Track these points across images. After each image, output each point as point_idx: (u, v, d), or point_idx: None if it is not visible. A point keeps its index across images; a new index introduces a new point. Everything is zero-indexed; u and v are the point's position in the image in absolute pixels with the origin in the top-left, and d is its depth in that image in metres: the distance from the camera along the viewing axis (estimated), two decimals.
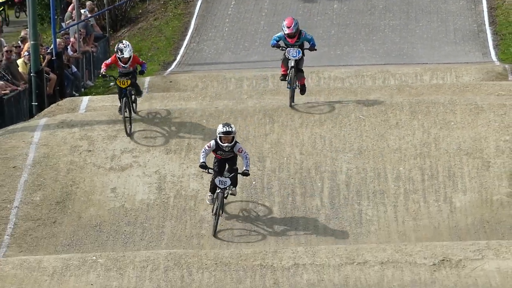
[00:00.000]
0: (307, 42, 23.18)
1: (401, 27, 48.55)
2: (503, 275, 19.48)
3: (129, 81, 22.59)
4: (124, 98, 22.31)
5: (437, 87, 32.86)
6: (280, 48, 22.29)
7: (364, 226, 23.34)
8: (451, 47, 45.79)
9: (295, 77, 22.19)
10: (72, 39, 44.93)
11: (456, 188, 24.45)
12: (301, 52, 21.85)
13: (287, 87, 22.58)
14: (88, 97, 33.92)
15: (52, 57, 39.87)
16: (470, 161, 25.24)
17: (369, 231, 22.97)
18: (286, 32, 22.27)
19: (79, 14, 48.78)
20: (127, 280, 19.76)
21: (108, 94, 35.74)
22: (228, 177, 20.47)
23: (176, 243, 21.78)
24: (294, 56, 21.42)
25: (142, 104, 31.34)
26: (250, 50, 45.90)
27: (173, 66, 44.91)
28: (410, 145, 25.68)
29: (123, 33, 52.30)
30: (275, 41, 22.59)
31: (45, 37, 42.76)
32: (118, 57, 22.53)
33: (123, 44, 23.07)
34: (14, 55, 39.80)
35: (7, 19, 55.70)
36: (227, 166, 20.72)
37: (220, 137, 20.59)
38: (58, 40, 41.96)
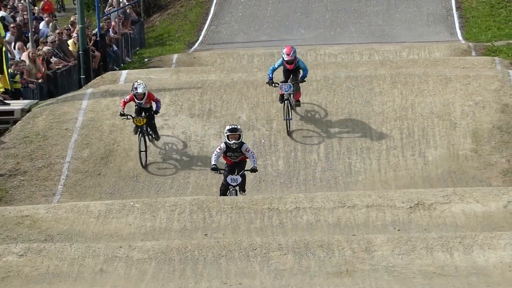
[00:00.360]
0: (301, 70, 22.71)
1: (383, 12, 48.56)
2: (467, 216, 19.51)
3: (145, 120, 22.11)
4: (139, 134, 21.93)
5: (413, 62, 32.99)
6: (273, 85, 22.10)
7: (353, 176, 23.54)
8: (425, 28, 45.85)
9: (290, 110, 21.88)
10: (113, 23, 45.04)
11: (429, 145, 24.53)
12: (292, 86, 21.78)
13: (284, 119, 22.12)
14: (126, 71, 34.07)
15: (97, 38, 40.02)
16: (440, 123, 25.26)
17: (357, 180, 23.17)
18: (285, 59, 21.85)
19: (118, 2, 48.89)
20: (159, 221, 19.83)
21: (143, 69, 35.99)
22: (238, 174, 19.97)
23: (199, 191, 21.96)
24: (286, 91, 21.33)
25: (172, 77, 31.53)
26: (259, 32, 46.04)
27: (196, 45, 44.97)
28: (391, 109, 25.75)
29: (154, 17, 52.58)
30: (271, 72, 22.15)
31: (91, 21, 42.55)
32: (134, 94, 22.19)
33: (137, 82, 22.71)
34: (65, 36, 39.82)
35: (63, 5, 55.31)
36: (236, 171, 20.02)
37: (227, 135, 19.99)
38: (101, 24, 42.14)
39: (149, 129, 22.06)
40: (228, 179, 19.53)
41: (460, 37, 43.48)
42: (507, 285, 14.59)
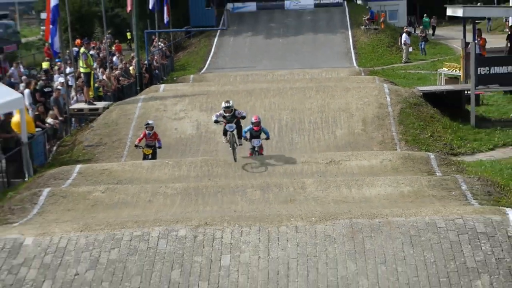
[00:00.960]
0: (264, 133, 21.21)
1: (311, 51, 48.60)
2: (359, 167, 19.51)
3: (150, 151, 21.31)
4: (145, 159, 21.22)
5: (328, 79, 33.24)
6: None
7: (294, 145, 23.59)
8: (335, 60, 45.88)
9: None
10: (156, 57, 44.89)
11: (337, 127, 24.47)
12: (235, 126, 20.23)
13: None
14: (163, 85, 34.53)
15: (146, 66, 39.83)
16: (343, 114, 25.17)
17: (296, 148, 23.21)
18: (253, 122, 20.79)
19: (158, 45, 48.76)
20: (182, 171, 19.84)
21: (172, 83, 36.08)
22: (233, 123, 19.68)
23: (206, 154, 21.99)
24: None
25: (189, 88, 31.77)
26: (240, 62, 46.40)
27: (203, 70, 45.25)
28: (315, 106, 25.72)
29: (179, 54, 52.94)
30: (244, 132, 20.82)
31: (143, 55, 42.21)
32: (146, 132, 21.25)
33: (150, 122, 21.92)
34: (128, 65, 39.76)
35: (130, 46, 54.46)
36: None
37: (224, 109, 19.65)
38: (149, 57, 41.88)
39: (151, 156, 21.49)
40: (227, 126, 19.49)
41: (355, 65, 43.76)
42: (382, 207, 14.68)
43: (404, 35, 48.17)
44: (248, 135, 20.85)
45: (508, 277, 11.61)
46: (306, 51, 48.15)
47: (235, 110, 19.86)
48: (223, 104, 19.87)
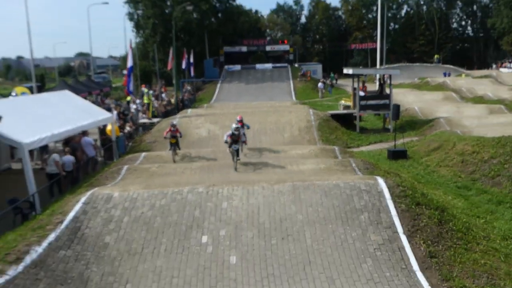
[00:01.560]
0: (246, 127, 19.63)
1: (270, 91, 48.54)
2: (297, 154, 19.44)
3: (175, 140, 19.16)
4: (172, 146, 19.23)
5: (279, 106, 32.73)
6: (226, 142, 17.38)
7: (262, 143, 23.02)
8: (283, 96, 45.64)
9: (235, 155, 17.16)
10: (186, 94, 44.49)
11: (285, 132, 24.20)
12: (238, 146, 17.38)
13: (232, 159, 17.42)
14: (190, 109, 33.54)
15: (181, 99, 39.55)
16: (288, 125, 24.90)
17: (263, 144, 22.64)
18: (238, 120, 19.12)
19: (187, 88, 48.41)
20: (199, 164, 19.64)
21: (194, 108, 34.99)
22: (237, 144, 17.30)
23: (215, 148, 21.46)
24: (235, 148, 17.19)
25: (204, 110, 31.52)
26: (234, 97, 45.87)
27: (212, 101, 44.56)
28: (273, 120, 25.40)
29: (199, 93, 51.39)
30: (227, 135, 17.59)
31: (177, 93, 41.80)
32: (171, 128, 19.16)
33: (174, 121, 20.82)
34: (171, 98, 39.55)
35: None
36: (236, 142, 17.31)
37: (234, 130, 17.16)
38: (182, 94, 41.60)
39: (177, 145, 19.45)
40: (232, 146, 16.97)
41: (294, 99, 43.50)
42: (309, 176, 14.57)
43: (320, 84, 48.69)
44: (229, 139, 17.53)
45: (378, 213, 11.70)
46: (268, 91, 48.00)
47: (239, 132, 17.52)
48: (233, 126, 17.33)
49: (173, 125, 19.32)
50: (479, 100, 38.14)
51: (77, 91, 31.48)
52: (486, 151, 18.30)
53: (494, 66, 74.92)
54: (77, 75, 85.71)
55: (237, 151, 17.07)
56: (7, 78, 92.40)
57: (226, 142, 17.23)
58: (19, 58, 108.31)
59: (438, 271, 9.92)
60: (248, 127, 19.88)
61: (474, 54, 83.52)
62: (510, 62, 72.63)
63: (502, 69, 69.40)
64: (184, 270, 10.21)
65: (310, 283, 9.69)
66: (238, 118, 19.42)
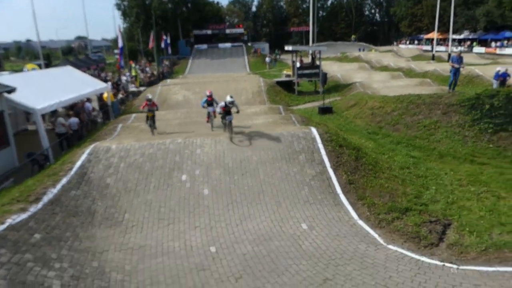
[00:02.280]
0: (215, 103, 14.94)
1: (230, 65, 47.16)
2: (252, 112, 19.05)
3: (152, 113, 14.73)
4: (149, 121, 14.76)
5: (238, 76, 31.85)
6: (207, 108, 14.65)
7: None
8: (240, 69, 44.56)
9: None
10: (165, 68, 42.94)
11: (242, 96, 23.42)
12: (214, 109, 14.41)
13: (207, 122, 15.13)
14: (169, 79, 32.17)
15: (161, 72, 38.15)
16: (244, 90, 24.06)
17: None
18: (208, 95, 14.61)
19: (166, 64, 46.71)
20: (178, 115, 18.87)
21: (172, 79, 33.27)
22: (230, 115, 12.98)
23: (189, 109, 20.70)
24: (212, 110, 14.55)
25: (180, 80, 30.31)
26: (203, 70, 44.45)
27: (185, 74, 42.92)
28: (233, 87, 24.51)
29: (174, 67, 48.92)
30: (203, 103, 14.82)
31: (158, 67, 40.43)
32: (147, 102, 14.60)
33: (149, 95, 15.16)
34: (154, 71, 38.09)
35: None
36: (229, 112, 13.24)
37: (227, 103, 13.05)
38: (162, 68, 40.14)
39: (153, 119, 14.87)
40: (227, 118, 13.05)
41: (248, 70, 42.61)
42: (261, 128, 14.43)
43: (267, 58, 47.89)
44: (206, 104, 14.66)
45: (312, 153, 11.79)
46: (228, 65, 46.66)
47: (233, 101, 13.33)
48: (228, 99, 13.17)
49: (149, 99, 14.99)
50: (384, 68, 38.75)
51: (77, 67, 29.83)
52: (389, 106, 18.52)
53: (395, 43, 76.27)
54: (77, 54, 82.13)
55: (230, 122, 13.17)
56: (18, 57, 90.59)
57: (220, 113, 13.28)
58: (28, 40, 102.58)
59: (355, 193, 10.24)
60: (217, 103, 14.66)
61: (380, 35, 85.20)
62: (406, 40, 73.80)
63: (400, 45, 70.76)
64: (169, 201, 10.15)
65: (263, 206, 9.82)
66: (208, 93, 14.98)
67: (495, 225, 8.63)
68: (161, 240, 8.65)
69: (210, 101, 14.54)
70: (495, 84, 21.59)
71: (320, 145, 12.10)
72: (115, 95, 24.09)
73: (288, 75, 29.94)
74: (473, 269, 7.05)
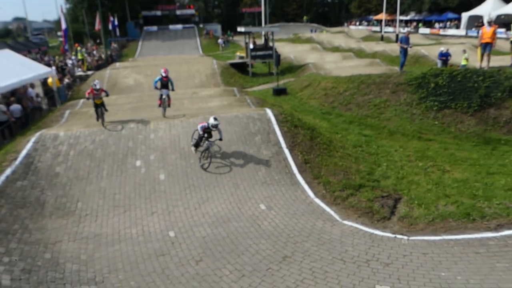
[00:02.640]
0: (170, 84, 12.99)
1: (182, 47, 45.98)
2: (206, 95, 18.81)
3: (100, 101, 12.29)
4: (98, 109, 12.34)
5: (190, 58, 31.07)
6: (159, 90, 12.93)
7: (178, 87, 21.51)
8: (192, 50, 43.64)
9: (166, 102, 13.02)
10: (114, 51, 41.26)
11: (195, 78, 23.06)
12: (168, 91, 12.96)
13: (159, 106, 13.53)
14: (118, 63, 30.82)
15: (110, 55, 36.46)
16: (197, 73, 23.61)
17: (179, 86, 21.54)
18: (163, 75, 12.73)
19: (114, 46, 44.79)
20: (130, 100, 18.27)
21: (121, 62, 31.97)
22: (211, 139, 10.65)
23: (141, 93, 19.90)
24: (166, 93, 12.82)
25: (130, 64, 29.18)
26: (154, 52, 42.99)
27: (135, 56, 41.26)
28: (185, 69, 23.98)
29: (124, 49, 46.67)
30: (155, 83, 12.88)
31: (105, 48, 38.62)
32: (93, 89, 12.12)
33: (96, 82, 12.35)
34: (102, 54, 36.43)
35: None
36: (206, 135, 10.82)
37: (212, 125, 10.44)
38: (110, 51, 38.46)
39: (103, 106, 12.34)
40: (208, 143, 10.74)
41: (201, 52, 41.59)
42: (216, 110, 14.31)
43: (220, 40, 47.35)
44: (158, 85, 12.84)
45: (267, 134, 11.87)
46: (179, 47, 45.20)
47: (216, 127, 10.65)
48: (212, 122, 10.49)
49: (96, 89, 12.33)
50: (335, 49, 39.47)
51: (17, 50, 27.75)
52: (341, 86, 18.84)
53: (345, 24, 77.60)
54: (15, 37, 76.65)
55: (209, 149, 10.74)
56: None
57: (200, 135, 10.83)
58: None
59: (311, 172, 10.47)
60: (172, 84, 13.18)
61: (331, 16, 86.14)
62: (356, 22, 75.39)
63: (351, 27, 72.09)
64: (124, 188, 9.89)
65: (221, 189, 9.82)
66: (163, 72, 12.87)
67: (441, 197, 9.20)
68: (118, 228, 8.45)
69: (165, 82, 12.65)
70: (439, 63, 22.69)
71: (276, 126, 12.20)
72: (60, 80, 22.83)
73: (241, 57, 29.73)
74: (421, 239, 7.42)
